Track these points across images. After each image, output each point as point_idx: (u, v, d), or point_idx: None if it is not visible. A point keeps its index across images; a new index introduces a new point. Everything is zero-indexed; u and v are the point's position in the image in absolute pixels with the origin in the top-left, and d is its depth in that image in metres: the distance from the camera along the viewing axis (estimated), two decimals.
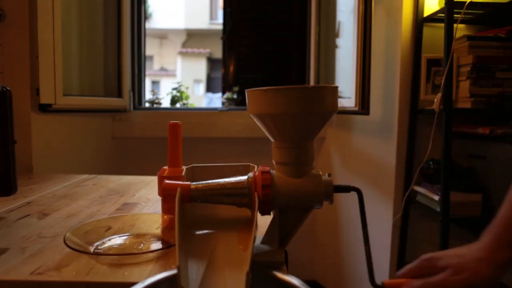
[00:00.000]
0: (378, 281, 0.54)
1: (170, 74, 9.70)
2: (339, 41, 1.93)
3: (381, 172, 1.64)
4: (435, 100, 1.30)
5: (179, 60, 9.71)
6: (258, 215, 0.53)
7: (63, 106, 1.45)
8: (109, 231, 0.67)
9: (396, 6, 1.54)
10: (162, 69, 9.89)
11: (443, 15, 1.28)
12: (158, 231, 0.69)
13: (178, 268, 0.39)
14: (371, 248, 0.55)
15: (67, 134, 1.58)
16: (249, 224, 0.54)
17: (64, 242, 0.57)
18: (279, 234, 0.55)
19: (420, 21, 1.47)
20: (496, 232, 0.51)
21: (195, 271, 0.46)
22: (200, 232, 0.55)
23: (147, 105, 2.21)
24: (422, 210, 1.50)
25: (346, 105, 1.68)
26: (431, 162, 1.44)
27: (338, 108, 0.56)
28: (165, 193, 0.53)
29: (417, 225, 1.57)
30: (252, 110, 0.55)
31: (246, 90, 0.55)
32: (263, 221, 0.73)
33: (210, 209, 0.59)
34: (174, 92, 2.25)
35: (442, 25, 1.27)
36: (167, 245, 0.63)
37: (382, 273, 1.62)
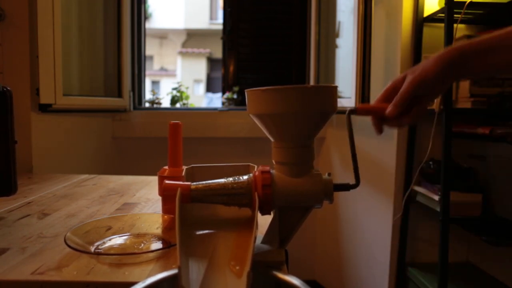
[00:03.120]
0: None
1: (170, 74, 9.70)
2: (339, 41, 1.93)
3: (381, 172, 1.64)
4: (435, 100, 1.30)
5: (179, 60, 9.71)
6: (258, 215, 0.53)
7: (63, 106, 1.45)
8: (109, 231, 0.67)
9: (396, 6, 1.54)
10: (162, 69, 9.90)
11: (443, 15, 1.28)
12: (159, 231, 0.69)
13: (179, 268, 0.39)
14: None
15: (67, 134, 1.58)
16: (250, 224, 0.54)
17: (65, 242, 0.57)
18: (279, 234, 0.55)
19: (420, 21, 1.47)
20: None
21: (195, 271, 0.46)
22: (201, 232, 0.55)
23: (147, 105, 2.21)
24: (422, 210, 1.50)
25: (346, 105, 1.68)
26: (431, 162, 1.44)
27: (338, 108, 0.57)
28: (165, 193, 0.53)
29: (417, 225, 1.57)
30: (252, 110, 0.55)
31: (246, 90, 0.55)
32: (263, 221, 0.73)
33: (210, 209, 0.59)
34: (174, 92, 2.25)
35: (442, 25, 1.27)
36: (167, 245, 0.63)
37: (382, 273, 1.62)
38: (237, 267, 0.46)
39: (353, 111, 0.57)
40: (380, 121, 0.59)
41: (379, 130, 0.60)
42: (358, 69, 1.56)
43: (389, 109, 0.56)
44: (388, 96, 0.58)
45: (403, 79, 0.56)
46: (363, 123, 1.78)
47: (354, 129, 0.60)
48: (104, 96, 1.92)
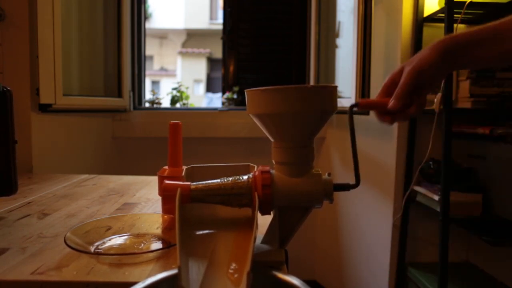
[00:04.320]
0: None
1: (170, 74, 9.70)
2: (339, 41, 1.93)
3: (381, 172, 1.64)
4: (435, 100, 1.30)
5: (179, 60, 9.71)
6: (258, 215, 0.53)
7: (63, 106, 1.45)
8: (109, 231, 0.67)
9: (396, 6, 1.54)
10: (162, 69, 9.90)
11: (443, 15, 1.28)
12: (158, 231, 0.69)
13: (179, 268, 0.39)
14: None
15: (67, 134, 1.58)
16: (249, 224, 0.54)
17: (65, 242, 0.57)
18: (279, 234, 0.55)
19: (420, 21, 1.47)
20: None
21: (195, 271, 0.46)
22: (201, 232, 0.55)
23: (147, 105, 2.21)
24: (422, 210, 1.50)
25: (346, 105, 1.68)
26: (431, 162, 1.44)
27: (338, 108, 0.56)
28: (165, 193, 0.53)
29: (417, 225, 1.57)
30: (251, 110, 0.55)
31: (245, 90, 0.55)
32: (263, 221, 0.73)
33: (210, 209, 0.59)
34: (174, 92, 2.25)
35: (442, 25, 1.27)
36: (167, 245, 0.63)
37: (382, 273, 1.62)
38: (237, 267, 0.46)
39: (355, 106, 0.57)
40: (384, 115, 0.59)
41: (390, 122, 0.59)
42: (358, 69, 1.56)
43: (391, 102, 0.56)
44: (388, 90, 0.58)
45: (401, 72, 0.56)
46: (363, 122, 1.78)
47: (355, 129, 0.60)
48: (104, 96, 1.92)
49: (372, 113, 1.62)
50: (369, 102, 0.60)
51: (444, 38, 0.54)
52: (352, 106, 0.57)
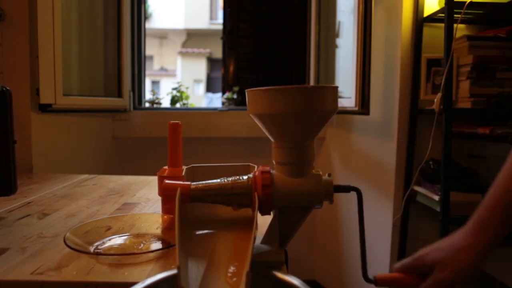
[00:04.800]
0: (371, 275, 0.54)
1: (170, 74, 9.70)
2: (339, 41, 1.93)
3: (381, 172, 1.64)
4: (435, 100, 1.30)
5: (179, 60, 9.71)
6: (258, 215, 0.53)
7: (63, 106, 1.45)
8: (109, 231, 0.67)
9: (396, 6, 1.54)
10: (162, 69, 9.90)
11: (443, 15, 1.28)
12: (158, 231, 0.69)
13: (178, 268, 0.39)
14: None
15: (67, 134, 1.58)
16: (249, 224, 0.54)
17: (64, 242, 0.57)
18: (279, 234, 0.55)
19: (420, 21, 1.47)
20: (478, 215, 0.51)
21: (195, 271, 0.46)
22: (200, 232, 0.55)
23: (147, 105, 2.21)
24: (422, 210, 1.50)
25: (346, 105, 1.68)
26: (431, 162, 1.44)
27: (338, 108, 0.56)
28: (165, 193, 0.53)
29: (417, 225, 1.57)
30: (252, 110, 0.55)
31: (246, 90, 0.55)
32: (263, 221, 0.73)
33: (210, 209, 0.59)
34: (174, 92, 2.25)
35: (442, 25, 1.27)
36: (167, 245, 0.63)
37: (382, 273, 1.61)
38: (237, 267, 0.46)
39: (372, 281, 0.55)
40: None
41: None
42: (358, 69, 1.56)
43: None
44: (406, 268, 0.54)
45: (430, 264, 0.51)
46: (363, 122, 1.78)
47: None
48: (104, 96, 1.92)
49: (372, 113, 1.62)
50: (387, 278, 0.55)
51: (483, 234, 0.49)
52: (369, 281, 0.55)
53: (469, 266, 0.48)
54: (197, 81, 9.62)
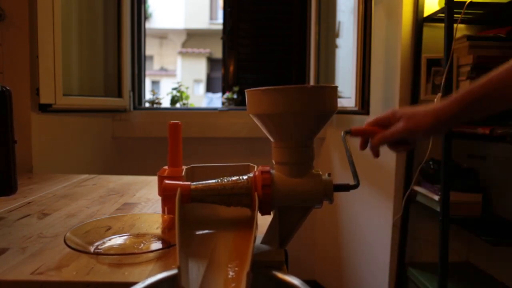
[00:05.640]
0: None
1: (170, 74, 9.70)
2: (339, 41, 1.93)
3: (381, 172, 1.64)
4: (435, 100, 1.30)
5: (179, 60, 9.71)
6: (258, 215, 0.53)
7: (63, 106, 1.45)
8: (109, 231, 0.67)
9: (396, 6, 1.54)
10: (162, 69, 9.89)
11: (443, 15, 1.28)
12: (158, 231, 0.69)
13: (179, 268, 0.39)
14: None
15: (67, 134, 1.58)
16: (249, 224, 0.54)
17: (64, 242, 0.57)
18: (279, 234, 0.55)
19: (420, 21, 1.47)
20: (456, 94, 0.57)
21: (195, 271, 0.46)
22: (200, 232, 0.55)
23: (147, 105, 2.21)
24: (422, 210, 1.50)
25: (346, 105, 1.68)
26: (431, 162, 1.44)
27: (338, 108, 0.57)
28: (165, 193, 0.53)
29: (417, 225, 1.57)
30: (252, 110, 0.55)
31: (245, 90, 0.55)
32: (263, 221, 0.73)
33: (210, 209, 0.59)
34: (174, 92, 2.25)
35: (442, 25, 1.27)
36: (167, 245, 0.63)
37: (382, 273, 1.62)
38: (237, 267, 0.46)
39: (348, 132, 0.64)
40: (366, 142, 0.66)
41: (373, 152, 0.66)
42: (358, 69, 1.56)
43: (376, 140, 0.62)
44: (379, 122, 0.64)
45: (399, 117, 0.60)
46: (363, 123, 1.78)
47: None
48: (104, 96, 1.92)
49: (372, 113, 1.62)
50: (360, 129, 0.65)
51: (446, 106, 0.57)
52: (345, 133, 0.63)
53: (426, 126, 0.57)
54: (197, 81, 9.62)
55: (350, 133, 0.64)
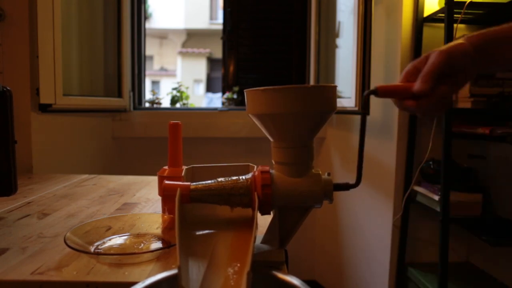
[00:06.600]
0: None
1: (170, 74, 9.70)
2: (339, 41, 1.93)
3: (381, 172, 1.64)
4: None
5: (179, 60, 9.71)
6: (258, 215, 0.53)
7: (63, 106, 1.45)
8: (109, 231, 0.67)
9: (396, 6, 1.54)
10: (162, 69, 9.89)
11: (443, 15, 1.28)
12: (158, 231, 0.69)
13: (179, 268, 0.39)
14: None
15: (67, 134, 1.58)
16: (249, 224, 0.54)
17: (65, 242, 0.57)
18: (279, 233, 0.55)
19: (420, 21, 1.48)
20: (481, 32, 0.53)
21: (195, 271, 0.46)
22: (200, 232, 0.55)
23: (147, 105, 2.21)
24: (422, 210, 1.50)
25: (346, 105, 1.68)
26: (431, 162, 1.44)
27: (337, 108, 0.56)
28: (165, 193, 0.53)
29: (417, 225, 1.57)
30: (251, 110, 0.55)
31: (245, 90, 0.55)
32: (263, 221, 0.73)
33: (210, 209, 0.59)
34: (174, 92, 2.25)
35: (442, 25, 1.27)
36: (167, 245, 0.63)
37: (382, 273, 1.62)
38: (237, 267, 0.46)
39: (372, 93, 0.51)
40: (407, 100, 0.53)
41: (414, 106, 0.52)
42: (358, 69, 1.56)
43: (418, 85, 0.50)
44: (409, 77, 0.53)
45: (426, 59, 0.52)
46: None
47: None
48: (104, 96, 1.92)
49: (372, 113, 1.62)
50: (390, 87, 0.52)
51: (473, 34, 0.52)
52: (368, 93, 0.51)
53: (461, 45, 0.51)
54: (197, 81, 9.62)
55: (376, 93, 0.51)
